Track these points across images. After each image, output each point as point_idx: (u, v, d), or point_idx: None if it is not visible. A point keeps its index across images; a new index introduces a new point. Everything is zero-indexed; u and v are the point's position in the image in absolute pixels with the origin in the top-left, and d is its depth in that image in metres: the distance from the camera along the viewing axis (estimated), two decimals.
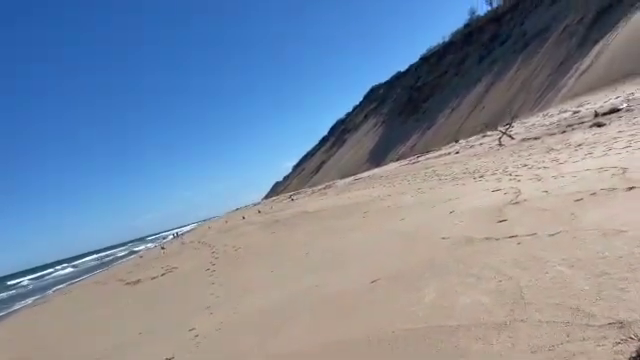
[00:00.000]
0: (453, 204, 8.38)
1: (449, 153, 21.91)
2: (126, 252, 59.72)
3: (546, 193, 6.44)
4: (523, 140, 15.91)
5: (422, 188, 12.61)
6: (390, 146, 61.11)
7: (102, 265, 42.92)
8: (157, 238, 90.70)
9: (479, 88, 48.47)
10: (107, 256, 67.91)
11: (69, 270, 53.13)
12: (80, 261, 78.21)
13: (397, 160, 46.24)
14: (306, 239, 10.40)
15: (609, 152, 8.17)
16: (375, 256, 6.28)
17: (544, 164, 9.53)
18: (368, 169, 52.84)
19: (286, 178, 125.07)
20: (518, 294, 3.09)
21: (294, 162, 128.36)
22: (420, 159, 26.45)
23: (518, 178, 8.84)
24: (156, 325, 6.95)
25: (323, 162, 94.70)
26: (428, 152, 34.71)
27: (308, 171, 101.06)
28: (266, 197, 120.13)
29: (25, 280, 54.98)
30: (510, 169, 10.49)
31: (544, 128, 17.36)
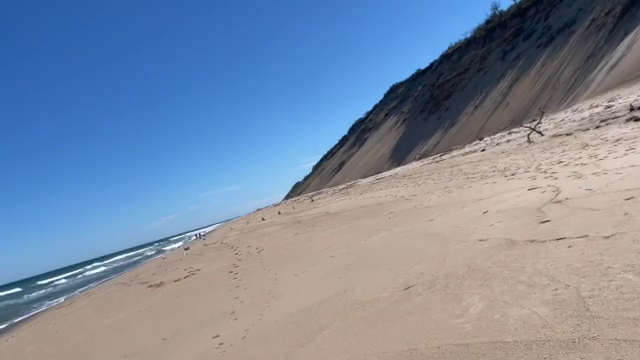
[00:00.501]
0: (485, 204, 8.00)
1: (475, 151, 21.37)
2: (154, 252, 60.40)
3: (590, 191, 6.02)
4: (554, 136, 15.34)
5: (449, 187, 12.20)
6: (412, 144, 60.38)
7: (129, 265, 43.65)
8: (182, 238, 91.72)
9: (503, 84, 47.47)
10: (136, 255, 69.39)
11: (99, 270, 53.91)
12: (110, 260, 80.00)
13: (419, 159, 45.61)
14: (330, 240, 10.10)
15: None
16: (406, 259, 5.95)
17: (581, 160, 9.05)
18: (390, 168, 52.29)
19: (306, 178, 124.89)
20: (582, 306, 2.74)
21: (314, 162, 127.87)
22: (444, 157, 25.91)
23: (555, 175, 8.40)
24: (179, 331, 6.74)
25: (343, 162, 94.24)
26: (451, 150, 34.07)
27: (328, 171, 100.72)
28: (286, 197, 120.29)
29: (61, 279, 56.40)
30: (544, 166, 10.03)
31: (575, 123, 16.73)
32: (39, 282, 63.52)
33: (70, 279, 51.50)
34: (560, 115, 23.22)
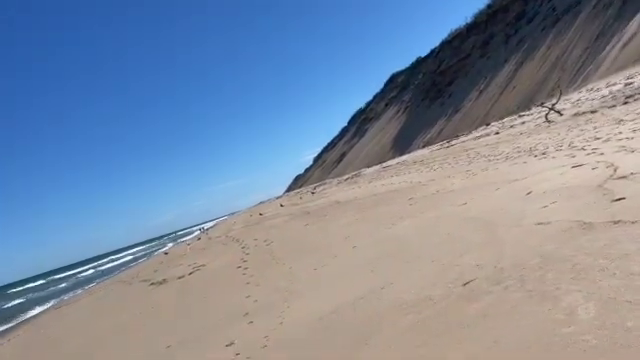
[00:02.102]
0: (524, 184, 7.14)
1: (487, 134, 20.47)
2: (160, 246, 59.68)
3: None
4: (576, 115, 14.45)
5: (471, 170, 11.34)
6: (415, 133, 59.45)
7: (134, 260, 43.47)
8: (187, 233, 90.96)
9: (508, 69, 46.43)
10: (143, 250, 69.65)
11: (112, 265, 53.73)
12: (120, 255, 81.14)
13: (423, 147, 44.72)
14: (347, 230, 9.25)
15: None
16: (448, 248, 5.10)
17: (624, 135, 8.18)
18: (393, 157, 51.33)
19: (307, 170, 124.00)
20: None
21: (314, 154, 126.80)
22: (453, 143, 25.02)
23: (598, 151, 7.53)
24: (185, 336, 5.91)
25: (345, 153, 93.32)
26: (458, 137, 33.15)
27: (330, 162, 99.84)
28: (288, 190, 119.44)
29: (88, 269, 57.66)
30: (578, 143, 9.15)
31: (596, 102, 15.82)
32: (64, 274, 66.14)
33: (89, 272, 52.43)
34: (574, 95, 22.27)
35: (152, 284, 12.18)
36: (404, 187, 12.98)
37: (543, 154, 9.57)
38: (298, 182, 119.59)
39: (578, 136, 10.18)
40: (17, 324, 17.18)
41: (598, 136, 9.20)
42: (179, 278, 11.50)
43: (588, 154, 7.70)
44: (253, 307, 5.99)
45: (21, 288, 59.30)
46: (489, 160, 11.92)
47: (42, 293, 36.94)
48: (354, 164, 72.34)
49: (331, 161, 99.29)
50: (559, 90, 19.76)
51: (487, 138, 18.58)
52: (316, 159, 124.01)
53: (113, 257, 77.46)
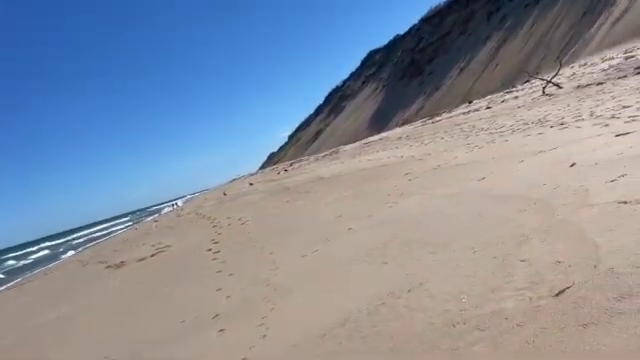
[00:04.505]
0: (557, 155, 5.90)
1: (477, 109, 19.31)
2: (143, 219, 57.41)
3: None
4: (579, 87, 13.36)
5: (472, 143, 10.11)
6: (392, 111, 58.32)
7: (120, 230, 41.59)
8: (160, 208, 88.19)
9: (489, 46, 45.50)
10: (138, 218, 66.95)
11: (99, 234, 51.63)
12: (110, 224, 79.14)
13: (402, 124, 43.58)
14: (338, 208, 7.90)
15: None
16: (489, 234, 3.81)
17: None
18: (369, 135, 50.10)
19: (281, 148, 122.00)
20: None
21: (289, 132, 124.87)
22: (438, 119, 23.84)
23: (636, 119, 6.37)
24: (132, 346, 4.51)
25: (320, 130, 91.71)
26: (440, 114, 32.06)
27: (305, 140, 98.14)
28: (262, 167, 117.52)
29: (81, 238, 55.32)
30: (603, 113, 7.98)
31: (597, 75, 14.77)
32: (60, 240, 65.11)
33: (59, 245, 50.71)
34: (565, 71, 21.28)
35: (109, 267, 10.66)
36: (395, 162, 11.69)
37: (561, 124, 8.37)
38: (272, 160, 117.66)
39: (597, 106, 9.00)
40: None
41: (624, 104, 8.05)
42: (139, 261, 10.01)
43: (627, 122, 6.51)
44: (225, 306, 4.61)
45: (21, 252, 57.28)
46: (491, 133, 10.70)
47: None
48: (330, 142, 70.94)
49: (306, 139, 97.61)
50: (559, 62, 18.64)
51: (478, 113, 17.41)
52: (291, 137, 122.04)
53: (105, 225, 76.21)
